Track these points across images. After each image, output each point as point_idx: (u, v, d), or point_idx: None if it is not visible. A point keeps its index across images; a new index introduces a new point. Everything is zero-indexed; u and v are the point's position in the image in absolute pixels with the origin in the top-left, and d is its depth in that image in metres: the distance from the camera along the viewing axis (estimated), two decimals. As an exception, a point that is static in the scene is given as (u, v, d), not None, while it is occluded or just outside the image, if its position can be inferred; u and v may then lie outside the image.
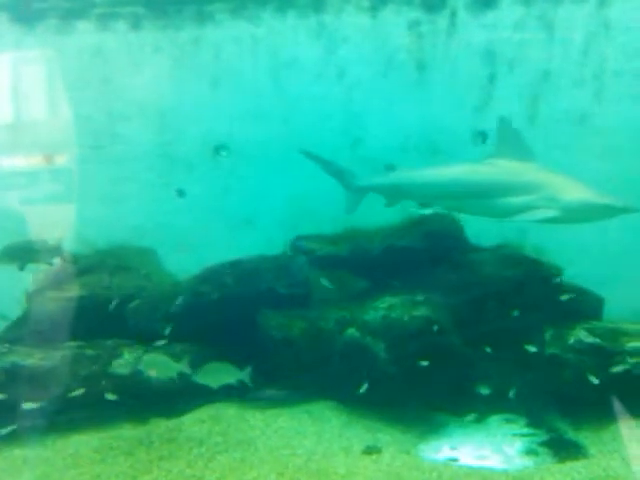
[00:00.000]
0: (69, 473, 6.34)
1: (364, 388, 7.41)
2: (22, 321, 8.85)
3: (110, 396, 7.46)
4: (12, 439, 7.03)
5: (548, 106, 11.07)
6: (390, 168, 9.65)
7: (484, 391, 7.58)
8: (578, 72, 10.97)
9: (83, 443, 7.06)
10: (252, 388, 7.68)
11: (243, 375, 7.35)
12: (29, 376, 7.72)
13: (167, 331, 8.22)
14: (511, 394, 7.54)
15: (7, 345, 8.22)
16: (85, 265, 9.15)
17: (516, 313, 8.03)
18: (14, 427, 7.05)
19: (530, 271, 8.45)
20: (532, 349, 7.67)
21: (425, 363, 7.36)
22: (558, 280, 8.47)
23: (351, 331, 8.16)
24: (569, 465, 6.33)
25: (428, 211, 8.84)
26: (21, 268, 8.10)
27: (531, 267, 8.51)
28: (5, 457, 6.74)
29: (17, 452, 6.88)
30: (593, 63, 10.90)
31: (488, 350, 7.85)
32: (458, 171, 8.71)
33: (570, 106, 10.92)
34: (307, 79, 11.38)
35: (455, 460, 6.60)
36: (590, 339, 7.57)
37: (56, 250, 8.44)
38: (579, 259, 9.08)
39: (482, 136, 10.37)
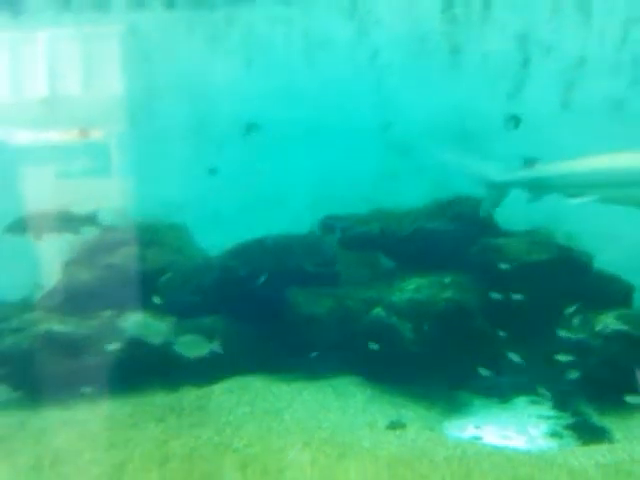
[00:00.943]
0: (103, 435, 6.56)
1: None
2: (57, 290, 9.08)
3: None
4: (49, 400, 7.28)
5: (583, 92, 10.95)
6: (531, 162, 9.12)
7: (508, 373, 7.63)
8: (615, 58, 10.82)
9: (117, 408, 7.29)
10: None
11: (214, 346, 7.53)
12: (64, 343, 7.96)
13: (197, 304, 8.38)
14: (536, 378, 7.57)
15: (43, 313, 8.46)
16: (120, 238, 9.35)
17: (544, 298, 8.02)
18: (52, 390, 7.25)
19: (560, 257, 8.43)
20: (564, 333, 7.67)
21: (450, 344, 7.43)
22: (588, 267, 8.46)
23: (377, 311, 8.25)
24: (593, 448, 6.37)
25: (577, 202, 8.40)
26: (37, 238, 8.10)
27: (561, 253, 8.48)
28: (43, 418, 6.99)
29: (55, 414, 7.12)
30: (630, 49, 10.74)
31: (514, 334, 7.88)
32: (613, 160, 8.12)
33: (606, 92, 10.78)
34: (339, 60, 11.37)
35: (479, 439, 6.68)
36: (618, 326, 7.56)
37: (88, 219, 8.47)
38: (610, 246, 9.02)
39: (514, 121, 10.29)
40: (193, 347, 7.78)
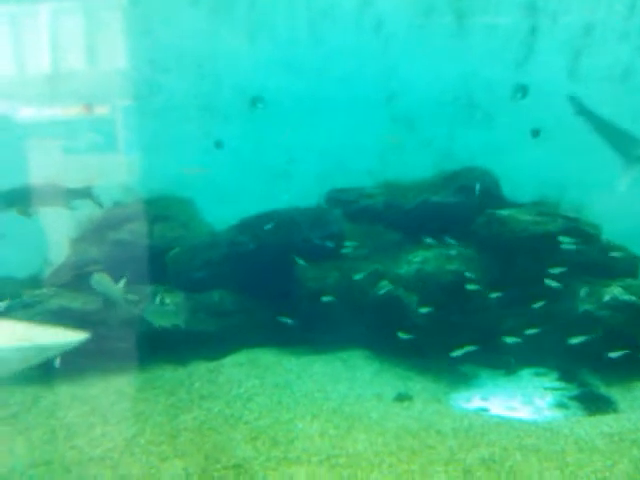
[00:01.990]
0: (115, 409, 6.67)
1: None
2: (66, 266, 9.14)
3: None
4: (60, 376, 7.38)
5: (590, 60, 10.80)
6: None
7: (514, 344, 7.68)
8: (622, 26, 10.65)
9: (127, 383, 7.39)
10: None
11: (178, 320, 7.62)
12: (75, 318, 8.03)
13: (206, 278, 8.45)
14: (542, 348, 7.61)
15: (52, 289, 8.53)
16: (127, 213, 9.38)
17: (550, 269, 8.02)
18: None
19: (566, 228, 8.41)
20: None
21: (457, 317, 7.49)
22: (595, 237, 8.45)
23: (384, 283, 8.29)
24: (599, 418, 6.44)
25: None
26: (25, 213, 7.72)
27: (567, 224, 8.46)
28: (55, 393, 7.09)
29: (65, 389, 7.23)
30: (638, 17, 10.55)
31: (520, 304, 7.93)
32: None
33: (613, 61, 10.64)
34: (343, 30, 11.22)
35: (486, 410, 6.76)
36: (625, 296, 7.59)
37: (80, 194, 8.13)
38: (617, 217, 8.98)
39: (522, 90, 10.18)
40: (160, 317, 7.89)
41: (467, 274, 7.95)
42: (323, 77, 11.23)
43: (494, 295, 7.83)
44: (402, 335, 7.46)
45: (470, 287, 7.77)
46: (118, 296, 7.69)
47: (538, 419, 6.53)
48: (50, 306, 8.04)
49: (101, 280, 7.67)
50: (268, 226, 8.61)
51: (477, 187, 8.89)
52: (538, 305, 7.69)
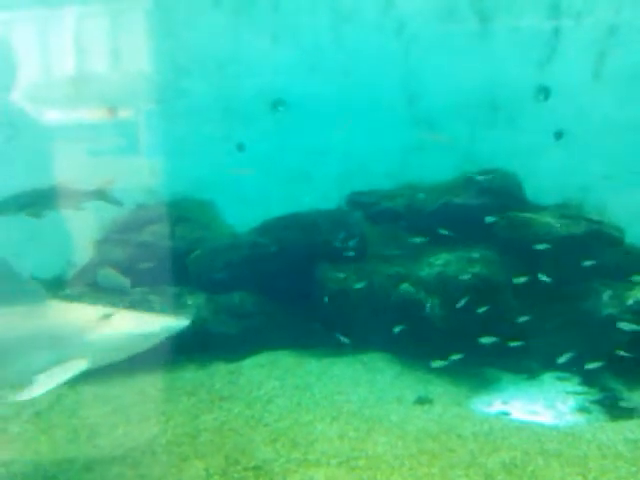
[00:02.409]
0: (136, 409, 6.74)
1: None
2: (89, 267, 9.26)
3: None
4: (83, 376, 7.46)
5: (615, 61, 10.65)
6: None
7: (537, 349, 7.62)
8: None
9: (148, 383, 7.46)
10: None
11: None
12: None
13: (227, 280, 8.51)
14: (564, 355, 7.53)
15: (76, 290, 8.65)
16: (150, 215, 9.48)
17: (573, 272, 7.94)
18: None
19: (590, 231, 8.32)
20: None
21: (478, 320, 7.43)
22: (618, 240, 8.35)
23: (405, 286, 8.28)
24: (622, 424, 6.37)
25: None
26: (36, 215, 7.44)
27: (591, 227, 8.37)
28: (78, 392, 7.19)
29: (87, 389, 7.32)
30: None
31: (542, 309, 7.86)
32: None
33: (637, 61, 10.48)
34: (366, 32, 11.21)
35: (507, 414, 6.71)
36: (649, 301, 7.49)
37: (91, 196, 8.05)
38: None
39: (545, 92, 10.10)
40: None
41: (490, 277, 7.90)
42: (345, 80, 11.23)
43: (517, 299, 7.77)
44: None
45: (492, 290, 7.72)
46: (126, 287, 7.81)
47: (560, 424, 6.47)
48: (74, 307, 8.15)
49: (107, 274, 7.79)
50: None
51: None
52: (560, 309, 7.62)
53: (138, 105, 11.02)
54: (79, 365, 4.88)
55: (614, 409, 6.80)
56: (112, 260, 8.91)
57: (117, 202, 7.88)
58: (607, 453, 5.55)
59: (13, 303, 4.89)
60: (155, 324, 5.35)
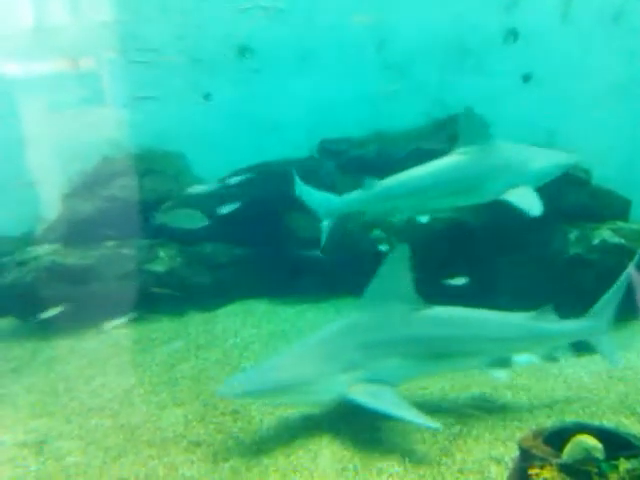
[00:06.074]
0: (112, 361, 6.78)
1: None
2: (59, 222, 9.12)
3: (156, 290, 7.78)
4: (57, 331, 7.47)
5: (582, 4, 10.59)
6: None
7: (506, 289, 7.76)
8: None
9: (123, 335, 7.49)
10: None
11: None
12: (69, 274, 8.08)
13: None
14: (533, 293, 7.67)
15: (47, 245, 8.55)
16: (117, 168, 9.32)
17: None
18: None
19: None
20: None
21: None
22: (585, 182, 8.46)
23: (377, 232, 8.34)
24: (587, 359, 6.56)
25: None
26: None
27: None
28: (53, 347, 7.20)
29: (63, 342, 7.34)
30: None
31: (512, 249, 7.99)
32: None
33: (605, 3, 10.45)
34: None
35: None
36: (615, 239, 7.64)
37: None
38: (607, 161, 8.97)
39: (514, 35, 10.03)
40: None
41: (459, 221, 7.98)
42: (310, 24, 11.01)
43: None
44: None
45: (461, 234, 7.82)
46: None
47: (529, 360, 6.64)
48: (44, 263, 8.07)
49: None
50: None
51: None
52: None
53: (101, 56, 10.70)
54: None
55: (580, 344, 6.98)
56: (82, 214, 8.79)
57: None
58: (573, 385, 5.77)
59: None
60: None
